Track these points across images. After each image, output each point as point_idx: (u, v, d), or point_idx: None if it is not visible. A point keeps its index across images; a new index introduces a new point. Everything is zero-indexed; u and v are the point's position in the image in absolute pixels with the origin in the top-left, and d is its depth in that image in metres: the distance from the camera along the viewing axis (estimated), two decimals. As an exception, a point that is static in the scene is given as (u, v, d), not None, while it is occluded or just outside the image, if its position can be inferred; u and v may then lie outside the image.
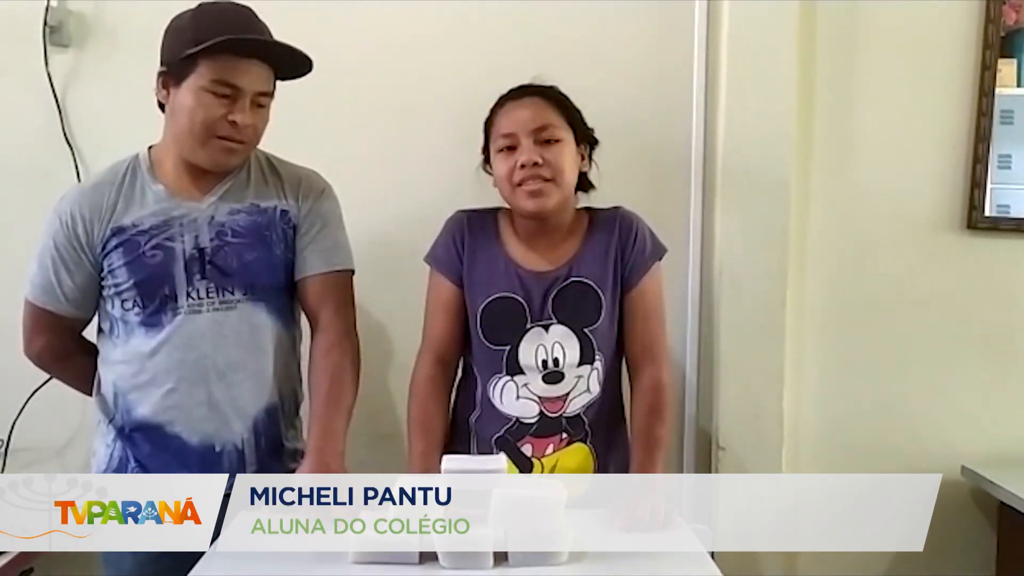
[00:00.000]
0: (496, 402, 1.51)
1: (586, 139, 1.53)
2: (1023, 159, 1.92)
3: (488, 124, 1.53)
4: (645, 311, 1.51)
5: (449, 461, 1.20)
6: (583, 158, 1.52)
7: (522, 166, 1.44)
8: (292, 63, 1.42)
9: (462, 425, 1.55)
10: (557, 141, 1.45)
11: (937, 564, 1.96)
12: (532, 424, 1.50)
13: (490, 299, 1.49)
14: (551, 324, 1.49)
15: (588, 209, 1.57)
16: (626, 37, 1.88)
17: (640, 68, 1.88)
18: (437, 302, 1.53)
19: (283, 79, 1.45)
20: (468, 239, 1.52)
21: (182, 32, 1.37)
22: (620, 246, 1.51)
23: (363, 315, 1.56)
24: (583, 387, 1.50)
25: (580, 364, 1.49)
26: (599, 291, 1.50)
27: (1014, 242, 1.94)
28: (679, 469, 1.93)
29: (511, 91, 1.52)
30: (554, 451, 1.51)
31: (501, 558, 1.15)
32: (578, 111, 1.52)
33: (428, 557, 1.15)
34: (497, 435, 1.51)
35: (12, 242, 1.82)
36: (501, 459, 1.23)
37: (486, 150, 1.54)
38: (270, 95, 1.43)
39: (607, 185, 1.67)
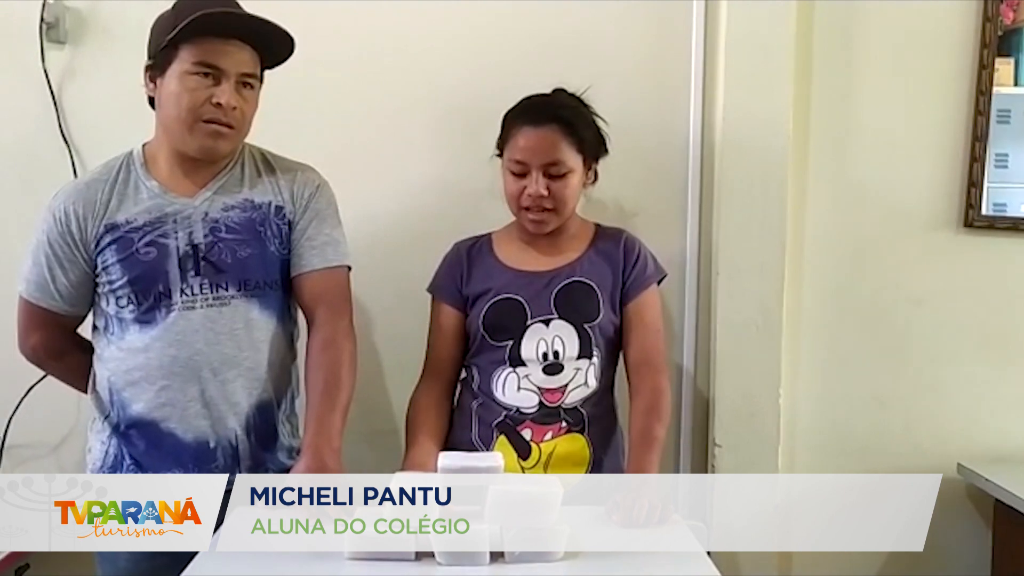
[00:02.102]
0: (497, 393, 1.55)
1: (596, 157, 1.58)
2: (1020, 158, 1.92)
3: (506, 128, 1.56)
4: (644, 322, 1.57)
5: (445, 458, 1.21)
6: (590, 169, 1.58)
7: (529, 195, 1.51)
8: (274, 43, 1.42)
9: (465, 411, 1.59)
10: (564, 175, 1.51)
11: (932, 562, 1.97)
12: (531, 413, 1.55)
13: (491, 302, 1.55)
14: (552, 319, 1.54)
15: (597, 224, 1.65)
16: (623, 37, 1.88)
17: (637, 68, 1.88)
18: (441, 328, 1.60)
19: (269, 66, 1.45)
20: (466, 264, 1.60)
21: (164, 23, 1.39)
22: (623, 261, 1.58)
23: (359, 311, 1.56)
24: (581, 380, 1.54)
25: (579, 357, 1.54)
26: (599, 291, 1.56)
27: (1010, 241, 1.94)
28: (676, 467, 1.93)
29: (533, 105, 1.55)
30: (553, 438, 1.55)
31: (497, 555, 1.15)
32: (593, 127, 1.57)
33: (424, 554, 1.15)
34: (498, 420, 1.56)
35: (7, 238, 1.81)
36: (497, 457, 1.23)
37: (501, 145, 1.57)
38: (256, 78, 1.42)
39: (605, 185, 1.68)
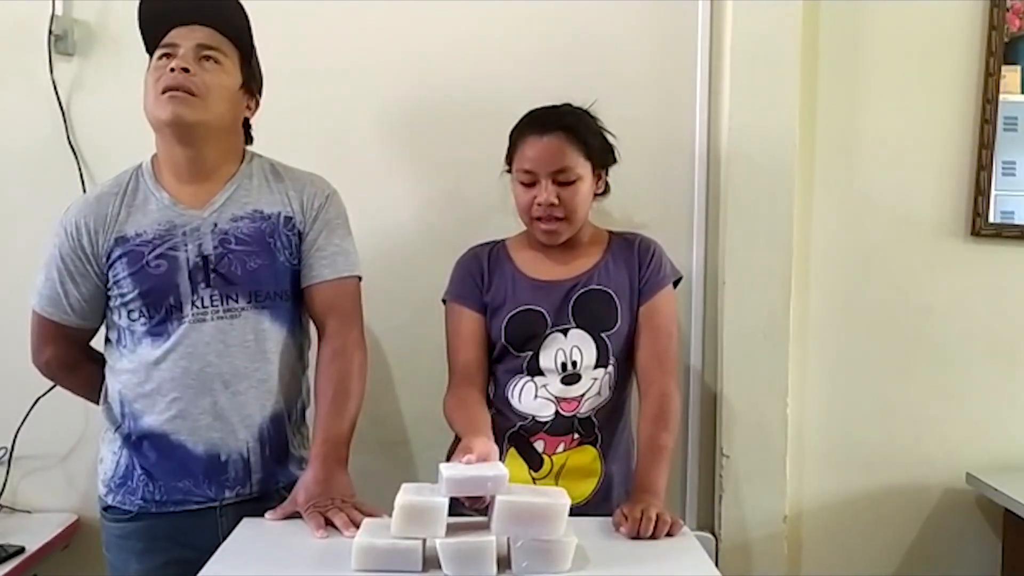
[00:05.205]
0: (514, 401, 1.55)
1: (605, 165, 1.58)
2: (1027, 166, 1.92)
3: (513, 141, 1.56)
4: (657, 325, 1.56)
5: (448, 469, 1.20)
6: (599, 178, 1.57)
7: (539, 204, 1.50)
8: (228, 15, 1.44)
9: None
10: (573, 182, 1.51)
11: (942, 571, 1.96)
12: (546, 423, 1.54)
13: (512, 313, 1.54)
14: (570, 328, 1.54)
15: (610, 231, 1.64)
16: (629, 42, 1.88)
17: (643, 79, 1.89)
18: (462, 333, 1.57)
19: (244, 46, 1.46)
20: (485, 269, 1.59)
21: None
22: (639, 264, 1.57)
23: (370, 321, 1.56)
24: (596, 389, 1.54)
25: (596, 367, 1.54)
26: (617, 299, 1.55)
27: (1018, 248, 1.95)
28: (683, 477, 1.93)
29: (538, 116, 1.54)
30: (565, 450, 1.54)
31: (504, 566, 1.15)
32: (600, 136, 1.56)
33: (432, 565, 1.15)
34: (511, 430, 1.55)
35: (17, 249, 1.82)
36: (500, 467, 1.22)
37: (510, 159, 1.57)
38: (220, 52, 1.43)
39: (612, 196, 1.67)
